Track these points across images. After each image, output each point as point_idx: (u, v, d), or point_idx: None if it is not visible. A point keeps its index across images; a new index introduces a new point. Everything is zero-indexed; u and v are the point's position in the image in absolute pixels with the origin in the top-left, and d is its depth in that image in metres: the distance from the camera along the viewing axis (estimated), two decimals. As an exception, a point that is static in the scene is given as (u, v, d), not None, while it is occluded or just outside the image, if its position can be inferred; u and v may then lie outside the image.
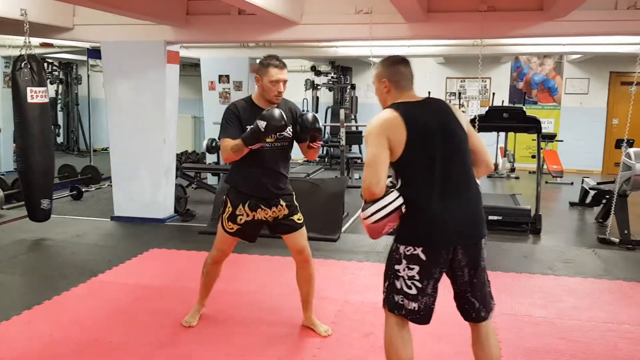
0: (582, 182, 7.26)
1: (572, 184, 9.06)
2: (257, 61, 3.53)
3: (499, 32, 5.14)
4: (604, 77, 10.56)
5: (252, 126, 2.80)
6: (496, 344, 2.32)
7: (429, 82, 10.66)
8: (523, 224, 5.89)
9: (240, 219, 3.05)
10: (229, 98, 8.28)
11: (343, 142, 7.16)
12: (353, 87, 10.74)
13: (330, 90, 11.02)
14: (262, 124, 2.73)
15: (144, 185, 6.03)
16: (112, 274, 4.33)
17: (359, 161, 9.74)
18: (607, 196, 6.12)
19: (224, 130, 2.95)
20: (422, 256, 2.12)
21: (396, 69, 2.29)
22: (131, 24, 5.54)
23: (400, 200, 2.10)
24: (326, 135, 10.46)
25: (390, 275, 2.22)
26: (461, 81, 11.11)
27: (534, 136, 9.45)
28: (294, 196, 3.17)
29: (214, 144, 7.27)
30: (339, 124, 8.08)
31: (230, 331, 3.31)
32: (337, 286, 4.10)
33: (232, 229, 3.09)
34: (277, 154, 3.02)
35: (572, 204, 7.40)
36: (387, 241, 5.19)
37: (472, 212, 2.20)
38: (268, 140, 2.82)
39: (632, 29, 4.82)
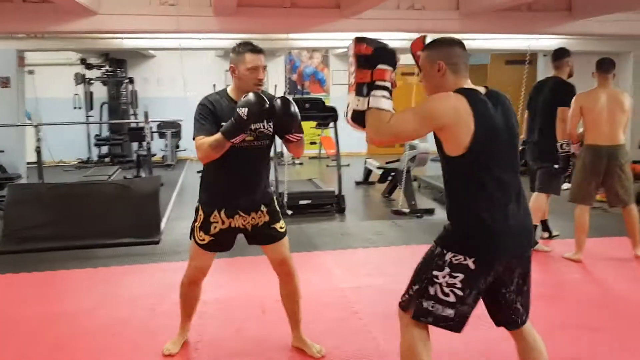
0: (365, 163, 8.12)
1: (348, 165, 10.01)
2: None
3: (302, 27, 5.45)
4: (363, 68, 11.83)
5: (231, 119, 2.47)
6: (543, 346, 2.17)
7: (208, 74, 10.66)
8: (328, 205, 6.38)
9: (215, 227, 2.70)
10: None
11: (149, 139, 6.80)
12: (131, 80, 10.17)
13: (104, 84, 10.26)
14: (243, 110, 2.40)
15: None
16: None
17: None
18: (393, 174, 6.97)
19: (198, 128, 2.59)
20: (472, 266, 1.94)
21: (454, 50, 2.02)
22: None
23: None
24: (106, 133, 9.75)
25: (424, 279, 2.03)
26: (239, 73, 11.34)
27: (313, 124, 10.25)
28: (276, 201, 2.85)
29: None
30: (118, 121, 7.64)
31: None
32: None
33: (204, 240, 2.73)
34: (257, 154, 2.71)
35: (357, 183, 8.23)
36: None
37: (527, 222, 2.06)
38: (253, 127, 2.54)
39: (412, 27, 5.54)
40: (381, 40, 2.04)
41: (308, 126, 10.80)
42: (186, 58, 9.17)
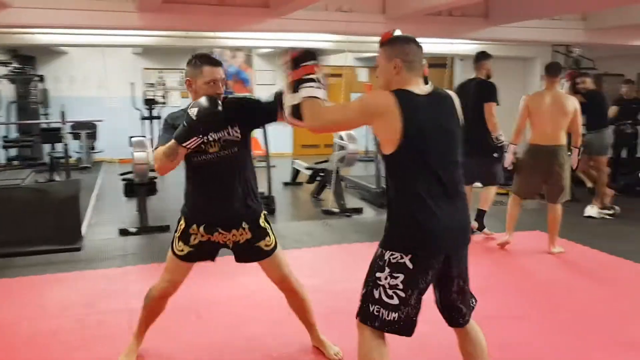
0: (293, 164, 8.13)
1: (274, 166, 9.96)
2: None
3: (229, 26, 5.38)
4: (286, 69, 11.84)
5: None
6: (483, 337, 2.24)
7: (125, 72, 10.26)
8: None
9: (194, 239, 2.57)
10: None
11: (66, 140, 6.43)
12: (41, 78, 9.59)
13: (12, 82, 9.60)
14: (192, 110, 2.27)
15: None
16: None
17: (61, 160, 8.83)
18: (322, 174, 7.02)
19: (158, 142, 2.47)
20: (409, 264, 1.97)
21: (410, 48, 2.05)
22: None
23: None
24: (15, 134, 9.14)
25: (370, 282, 2.05)
26: (159, 72, 11.01)
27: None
28: (264, 217, 2.67)
29: None
30: (29, 121, 7.19)
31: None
32: (110, 296, 3.80)
33: (182, 250, 2.58)
34: (227, 165, 2.51)
35: (285, 184, 8.21)
36: (137, 241, 5.04)
37: (463, 218, 2.11)
38: (217, 137, 2.43)
39: (339, 29, 5.62)
40: (309, 47, 2.17)
41: (231, 127, 10.68)
42: (102, 56, 8.80)
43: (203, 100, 2.31)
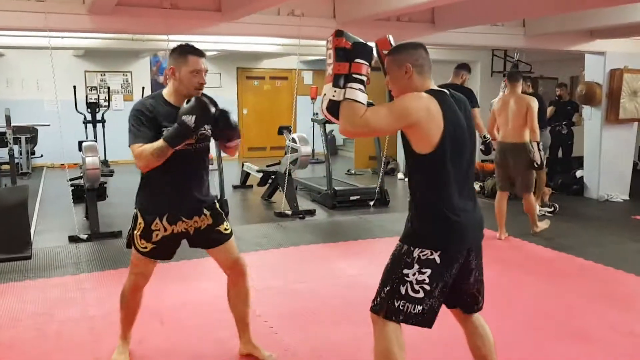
0: (243, 167, 8.11)
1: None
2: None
3: (182, 29, 5.32)
4: (232, 72, 11.80)
5: (174, 125, 2.37)
6: (490, 332, 2.31)
7: (66, 75, 9.92)
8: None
9: (157, 235, 2.58)
10: None
11: (12, 145, 6.17)
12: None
13: (-57, 84, 9.13)
14: (189, 118, 2.32)
15: None
16: None
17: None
18: (273, 176, 7.05)
19: (135, 135, 2.44)
20: (438, 260, 2.03)
21: (419, 53, 2.10)
22: None
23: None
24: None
25: (395, 279, 2.08)
26: (101, 75, 10.72)
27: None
28: (217, 203, 2.77)
29: None
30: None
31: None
32: (67, 305, 3.71)
33: (146, 248, 2.61)
34: (199, 156, 2.63)
35: (235, 187, 8.19)
36: (89, 248, 4.92)
37: (480, 214, 2.20)
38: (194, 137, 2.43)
39: (291, 33, 5.67)
40: (359, 39, 2.08)
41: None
42: (41, 58, 8.48)
43: (197, 107, 2.35)
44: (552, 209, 6.44)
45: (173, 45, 2.66)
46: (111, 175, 7.64)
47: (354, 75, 2.01)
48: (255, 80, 12.11)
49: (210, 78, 11.10)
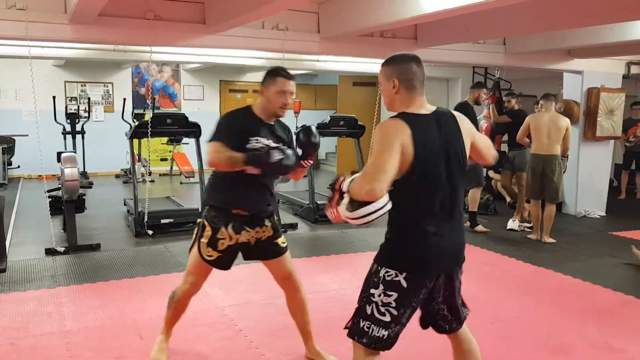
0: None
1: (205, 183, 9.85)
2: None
3: (166, 41, 5.30)
4: (215, 85, 11.78)
5: (262, 152, 2.56)
6: (478, 348, 2.27)
7: (45, 85, 9.81)
8: (191, 223, 6.21)
9: (222, 244, 2.70)
10: None
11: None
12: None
13: None
14: (276, 156, 2.53)
15: None
16: None
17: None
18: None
19: (218, 134, 2.63)
20: (404, 283, 1.97)
21: (408, 67, 2.04)
22: None
23: (390, 204, 1.93)
24: None
25: (363, 298, 2.05)
26: (82, 85, 10.62)
27: (164, 140, 9.95)
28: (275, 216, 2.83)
29: None
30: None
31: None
32: (43, 319, 3.63)
33: (212, 256, 2.71)
34: None
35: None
36: (66, 260, 4.82)
37: (459, 238, 2.12)
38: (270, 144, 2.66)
39: (276, 46, 5.68)
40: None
41: (159, 142, 10.46)
42: (20, 67, 8.38)
43: (287, 156, 2.57)
44: (531, 224, 6.51)
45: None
46: (90, 187, 7.54)
47: (342, 191, 2.03)
48: (238, 93, 12.11)
49: (193, 91, 11.25)
